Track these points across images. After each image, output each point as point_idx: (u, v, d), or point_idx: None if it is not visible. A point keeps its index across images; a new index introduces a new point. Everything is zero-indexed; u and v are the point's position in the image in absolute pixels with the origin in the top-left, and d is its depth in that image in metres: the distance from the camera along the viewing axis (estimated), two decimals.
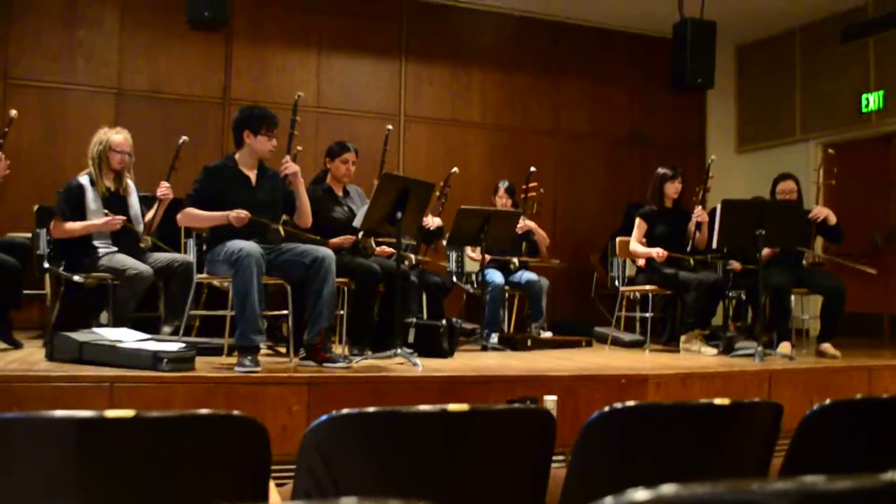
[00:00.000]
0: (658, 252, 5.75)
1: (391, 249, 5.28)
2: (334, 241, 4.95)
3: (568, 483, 1.68)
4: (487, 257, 6.29)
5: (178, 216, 4.31)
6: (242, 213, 4.12)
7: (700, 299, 5.61)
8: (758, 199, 5.86)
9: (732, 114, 9.38)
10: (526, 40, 8.57)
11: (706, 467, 1.74)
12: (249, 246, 4.00)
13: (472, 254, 6.66)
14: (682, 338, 5.72)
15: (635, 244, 6.00)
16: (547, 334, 6.52)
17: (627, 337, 6.56)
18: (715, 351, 5.57)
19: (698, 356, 5.46)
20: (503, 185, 6.70)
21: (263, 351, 4.54)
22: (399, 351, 4.36)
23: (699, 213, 5.82)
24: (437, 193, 6.23)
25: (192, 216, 4.22)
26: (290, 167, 4.34)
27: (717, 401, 1.72)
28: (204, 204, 4.21)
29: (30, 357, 4.17)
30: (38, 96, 6.93)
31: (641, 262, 6.09)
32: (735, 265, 6.11)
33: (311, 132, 7.46)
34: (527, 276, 6.45)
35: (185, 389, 3.52)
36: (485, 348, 5.66)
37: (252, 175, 4.39)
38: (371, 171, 5.85)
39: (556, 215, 8.62)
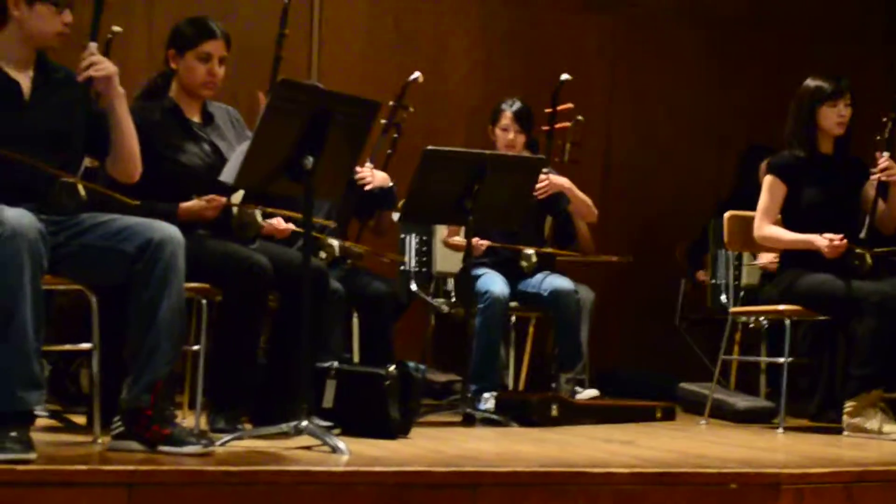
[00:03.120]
0: (828, 241, 5.72)
1: (294, 227, 5.24)
2: (185, 207, 4.92)
3: None
4: (482, 244, 6.25)
5: None
6: None
7: (884, 332, 5.62)
8: None
9: None
10: None
11: None
12: (15, 217, 3.93)
13: (450, 239, 6.62)
14: (849, 405, 5.73)
15: (767, 226, 5.98)
16: (589, 393, 6.51)
17: (743, 402, 6.57)
18: None
19: (878, 440, 5.48)
20: (510, 107, 6.70)
21: (42, 421, 4.50)
22: (305, 424, 4.35)
23: (885, 165, 5.83)
24: (385, 122, 6.17)
25: None
26: (99, 65, 4.27)
27: None
28: None
29: None
30: None
31: (769, 258, 6.07)
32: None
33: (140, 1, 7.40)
34: (553, 282, 6.47)
35: None
36: (470, 420, 5.68)
37: (24, 80, 4.34)
38: (256, 76, 5.79)
39: (611, 166, 8.62)
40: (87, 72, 4.26)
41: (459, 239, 6.49)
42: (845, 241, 5.72)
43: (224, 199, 4.96)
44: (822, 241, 5.75)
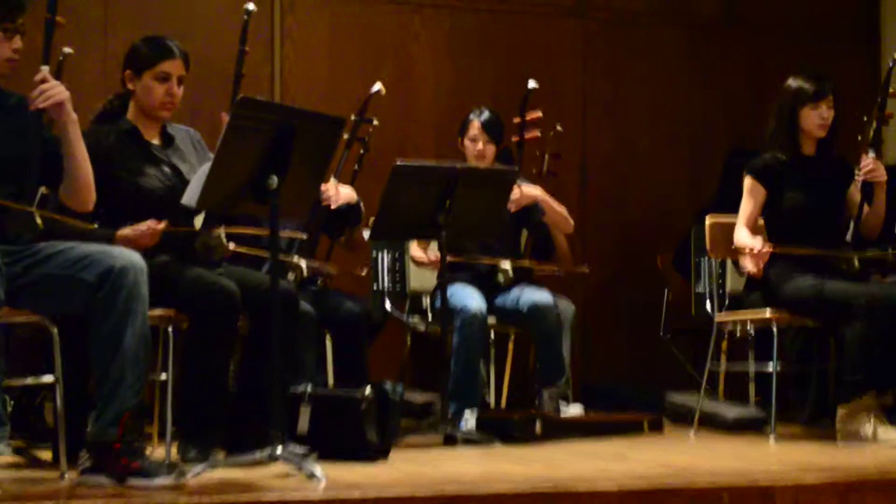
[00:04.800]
0: (754, 245, 5.69)
1: (259, 251, 5.26)
2: (122, 234, 4.85)
3: None
4: (433, 256, 6.24)
5: None
6: None
7: (874, 336, 5.62)
8: None
9: None
10: None
11: None
12: None
13: (422, 255, 6.61)
14: (841, 411, 5.73)
15: (742, 229, 5.99)
16: (574, 409, 6.49)
17: (733, 413, 6.58)
18: None
19: (872, 446, 5.49)
20: (479, 117, 6.70)
21: (6, 458, 4.52)
22: (280, 451, 4.34)
23: (869, 167, 5.85)
24: (348, 136, 6.16)
25: None
26: (51, 91, 4.25)
27: None
28: None
29: None
30: None
31: (752, 265, 6.10)
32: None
33: (94, 17, 7.36)
34: (531, 296, 6.46)
35: None
36: (452, 440, 5.68)
37: None
38: (217, 96, 5.78)
39: (588, 175, 8.61)
40: (36, 101, 4.24)
41: (428, 255, 6.48)
42: (769, 247, 5.70)
43: (161, 226, 4.88)
44: (748, 246, 5.73)
